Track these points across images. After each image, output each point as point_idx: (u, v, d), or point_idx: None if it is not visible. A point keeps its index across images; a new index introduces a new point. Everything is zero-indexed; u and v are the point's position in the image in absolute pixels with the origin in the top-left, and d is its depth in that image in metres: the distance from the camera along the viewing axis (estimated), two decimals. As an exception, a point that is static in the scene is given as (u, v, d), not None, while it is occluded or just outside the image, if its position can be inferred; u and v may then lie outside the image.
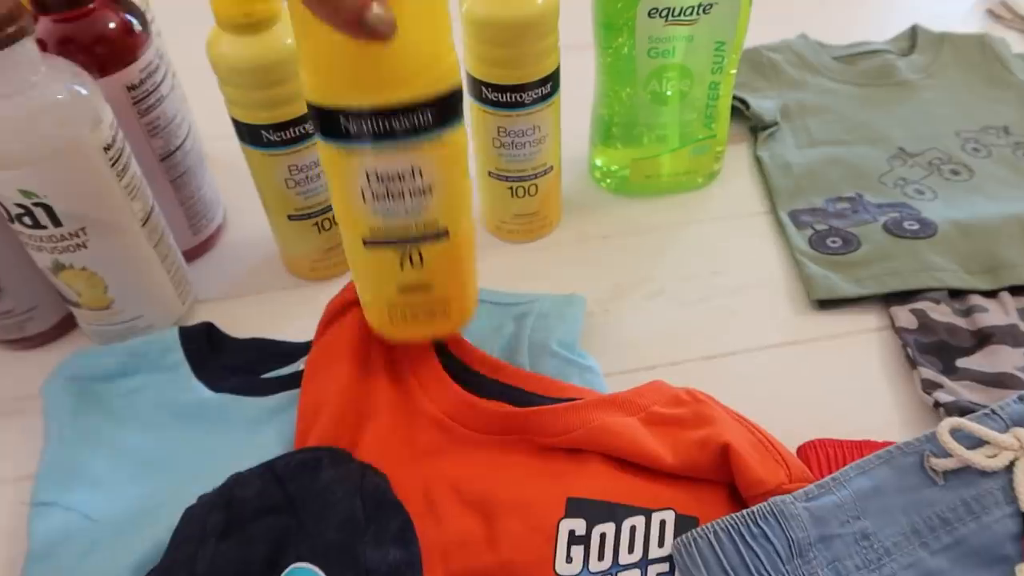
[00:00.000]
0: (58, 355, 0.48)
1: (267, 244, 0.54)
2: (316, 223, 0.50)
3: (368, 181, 0.36)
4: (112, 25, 0.45)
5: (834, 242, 0.52)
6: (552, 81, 0.46)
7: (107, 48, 0.45)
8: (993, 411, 0.37)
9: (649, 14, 0.47)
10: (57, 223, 0.41)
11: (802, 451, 0.40)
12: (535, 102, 0.46)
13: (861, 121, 0.61)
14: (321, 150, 0.36)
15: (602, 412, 0.40)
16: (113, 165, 0.42)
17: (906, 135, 0.60)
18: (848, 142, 0.60)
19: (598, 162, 0.57)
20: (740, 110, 0.61)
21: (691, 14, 0.47)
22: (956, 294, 0.48)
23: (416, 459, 0.41)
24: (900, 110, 0.62)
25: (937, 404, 0.42)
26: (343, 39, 0.31)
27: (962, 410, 0.41)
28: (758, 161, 0.59)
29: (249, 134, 0.46)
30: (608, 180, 0.57)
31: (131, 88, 0.46)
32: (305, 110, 0.37)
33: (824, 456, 0.40)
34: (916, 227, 0.52)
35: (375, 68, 0.33)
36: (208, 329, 0.49)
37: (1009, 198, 0.54)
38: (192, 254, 0.54)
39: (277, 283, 0.54)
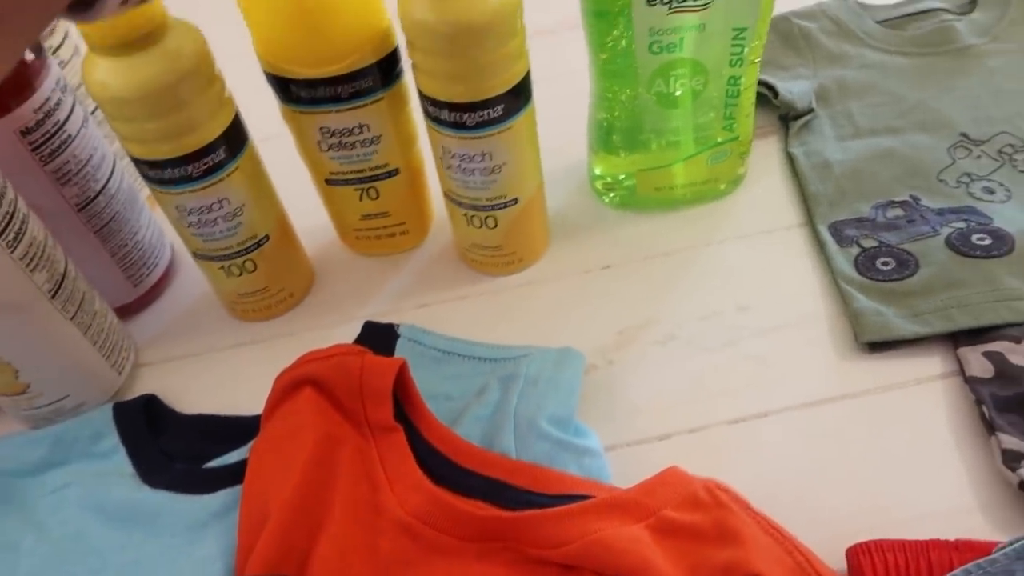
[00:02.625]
0: (-17, 439, 0.42)
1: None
2: (223, 267, 0.43)
3: (323, 136, 0.42)
4: (-5, 59, 0.37)
5: (886, 264, 0.43)
6: (506, 101, 0.37)
7: (-10, 89, 0.37)
8: (1105, 516, 0.29)
9: (649, 1, 0.38)
10: (-62, 310, 0.35)
11: (853, 558, 0.32)
12: (480, 126, 0.38)
13: (915, 102, 0.51)
14: (282, 111, 0.42)
15: (604, 519, 0.32)
16: (0, 235, 0.35)
17: (970, 117, 0.50)
18: (900, 130, 0.50)
19: (598, 171, 0.48)
20: (767, 97, 0.52)
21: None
22: (1041, 327, 0.39)
23: (380, 572, 0.34)
24: (962, 85, 0.52)
25: (1023, 485, 0.33)
26: (293, 20, 0.37)
27: (1058, 495, 0.32)
28: (791, 159, 0.50)
29: (139, 169, 0.39)
30: (611, 194, 0.48)
31: (26, 132, 0.39)
32: (188, 146, 0.37)
33: (882, 565, 0.31)
34: (988, 242, 0.42)
35: (320, 42, 0.38)
36: (148, 404, 0.42)
37: (1102, 195, 0.44)
38: (134, 308, 0.47)
39: (229, 335, 0.47)
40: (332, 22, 0.38)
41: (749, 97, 0.44)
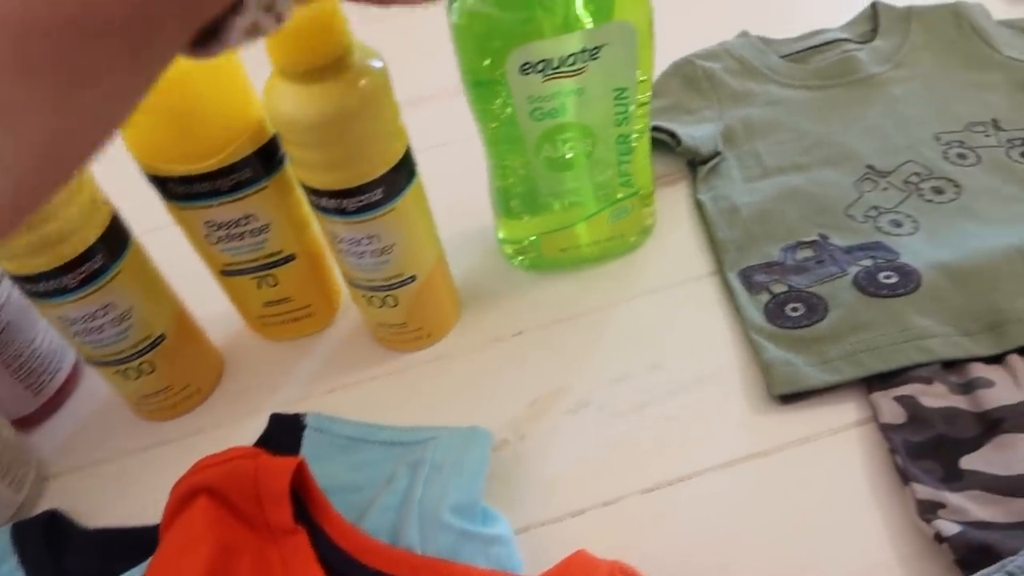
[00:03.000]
0: None
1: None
2: (118, 371, 0.41)
3: (210, 229, 0.41)
4: None
5: (795, 310, 0.42)
6: (386, 184, 0.37)
7: None
8: (1011, 574, 0.28)
9: (522, 70, 0.37)
10: None
11: (768, 632, 0.31)
12: (362, 210, 0.37)
13: (820, 136, 0.51)
14: (167, 207, 0.41)
15: (504, 617, 0.31)
16: None
17: (876, 147, 0.50)
18: (806, 166, 0.50)
19: (503, 235, 0.48)
20: (669, 144, 0.51)
21: (574, 63, 0.37)
22: (952, 364, 0.39)
23: None
24: (866, 115, 0.52)
25: (940, 538, 0.32)
26: (162, 119, 0.36)
27: (973, 548, 0.31)
28: (699, 206, 0.49)
29: (17, 284, 0.38)
30: (520, 257, 0.48)
31: None
32: (56, 260, 0.36)
33: (797, 638, 0.30)
34: (894, 280, 0.42)
35: (193, 139, 0.37)
36: (49, 521, 0.40)
37: (1007, 219, 0.44)
38: (36, 418, 0.46)
39: (137, 438, 0.45)
40: (203, 118, 0.37)
41: (643, 150, 0.44)
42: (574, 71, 0.38)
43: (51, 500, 0.43)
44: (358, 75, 0.34)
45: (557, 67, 0.37)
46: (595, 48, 0.37)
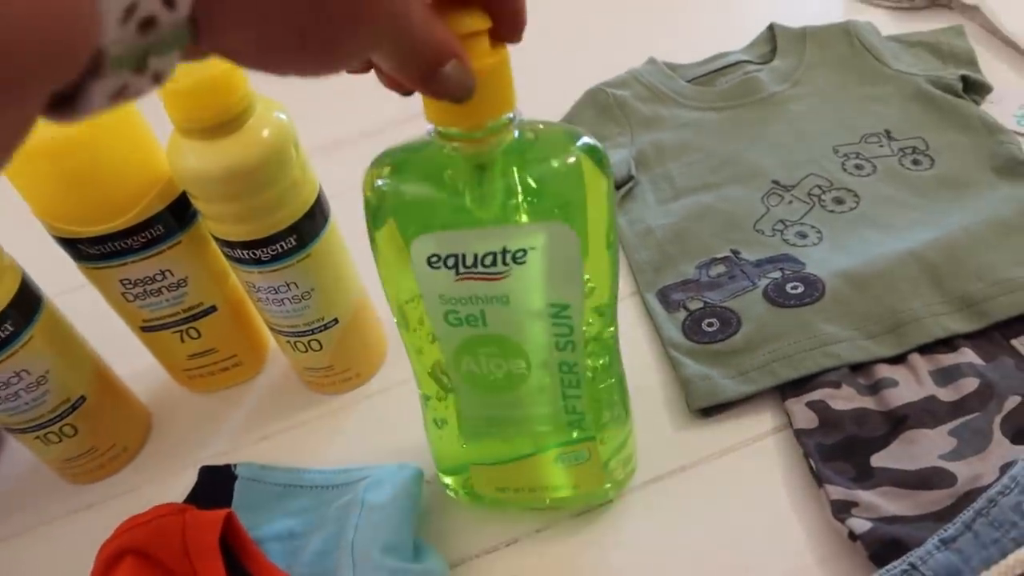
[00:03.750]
0: None
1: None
2: (38, 437, 0.41)
3: (126, 287, 0.41)
4: None
5: (711, 325, 0.43)
6: (298, 232, 0.37)
7: None
8: (914, 566, 0.29)
9: (430, 263, 0.30)
10: None
11: (697, 644, 0.32)
12: (276, 259, 0.37)
13: (727, 155, 0.53)
14: (80, 268, 0.40)
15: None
16: None
17: (779, 163, 0.52)
18: (716, 185, 0.51)
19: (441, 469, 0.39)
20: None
21: (491, 264, 0.29)
22: (859, 367, 0.40)
23: None
24: (769, 132, 0.54)
25: (853, 536, 0.34)
26: (66, 182, 0.36)
27: (884, 543, 0.33)
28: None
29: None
30: (454, 488, 0.39)
31: None
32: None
33: (724, 647, 0.31)
34: (800, 289, 0.44)
35: (101, 199, 0.37)
36: (-28, 596, 0.39)
37: (902, 225, 0.46)
38: (-44, 490, 0.44)
39: (63, 502, 0.44)
40: (110, 177, 0.37)
41: (607, 388, 0.35)
42: (492, 274, 0.30)
43: (-26, 575, 0.42)
44: (260, 128, 0.35)
45: (470, 266, 0.29)
46: (519, 251, 0.29)
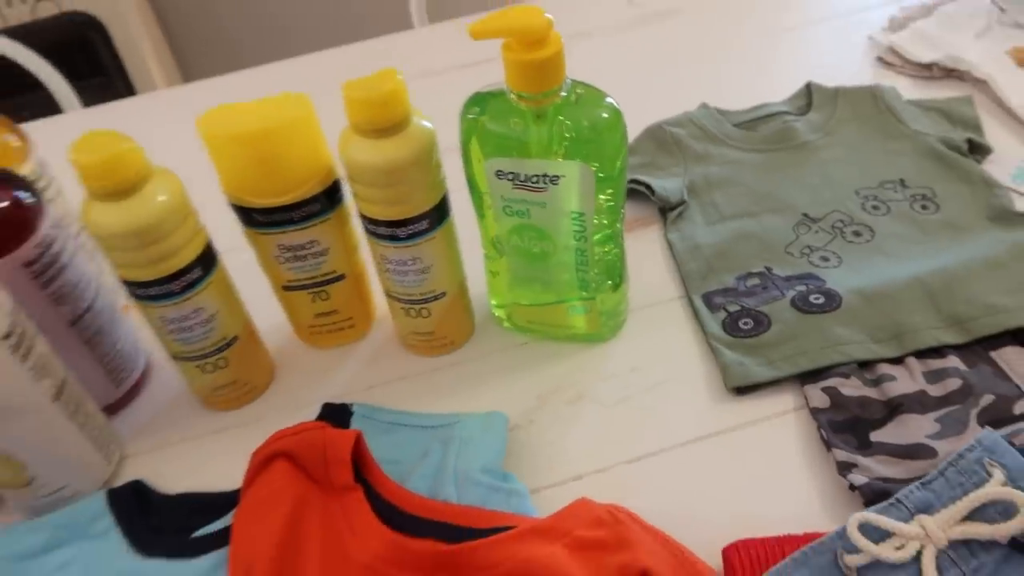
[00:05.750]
0: (-14, 534, 0.48)
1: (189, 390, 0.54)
2: (199, 366, 0.50)
3: (280, 251, 0.50)
4: (3, 205, 0.45)
5: (746, 324, 0.53)
6: (431, 218, 0.47)
7: (1, 232, 0.45)
8: (898, 500, 0.39)
9: (497, 175, 0.46)
10: (-37, 418, 0.41)
11: (727, 554, 0.41)
12: (412, 237, 0.47)
13: (766, 190, 0.63)
14: (246, 233, 0.50)
15: (528, 543, 0.40)
16: (15, 351, 0.42)
17: (809, 200, 0.62)
18: (755, 213, 0.61)
19: (494, 302, 0.57)
20: (645, 193, 0.63)
21: (537, 183, 0.46)
22: (865, 364, 0.50)
23: (350, 610, 0.41)
24: (802, 174, 0.64)
25: (852, 487, 0.43)
26: (253, 163, 0.46)
27: (876, 492, 0.42)
28: (669, 245, 0.60)
29: (126, 287, 0.47)
30: (503, 318, 0.57)
31: (29, 264, 0.46)
32: (167, 269, 0.46)
33: (748, 558, 0.40)
34: (821, 300, 0.53)
35: (276, 179, 0.47)
36: (136, 488, 0.49)
37: (909, 256, 0.56)
38: (117, 407, 0.54)
39: (201, 426, 0.54)
40: (285, 163, 0.47)
41: (607, 266, 0.51)
42: (536, 188, 0.46)
43: (131, 475, 0.51)
44: (414, 134, 0.45)
45: (523, 181, 0.46)
46: (555, 176, 0.45)
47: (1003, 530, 0.36)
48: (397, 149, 0.44)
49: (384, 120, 0.44)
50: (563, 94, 0.44)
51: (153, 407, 0.55)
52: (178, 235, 0.45)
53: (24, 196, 0.47)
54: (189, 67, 1.75)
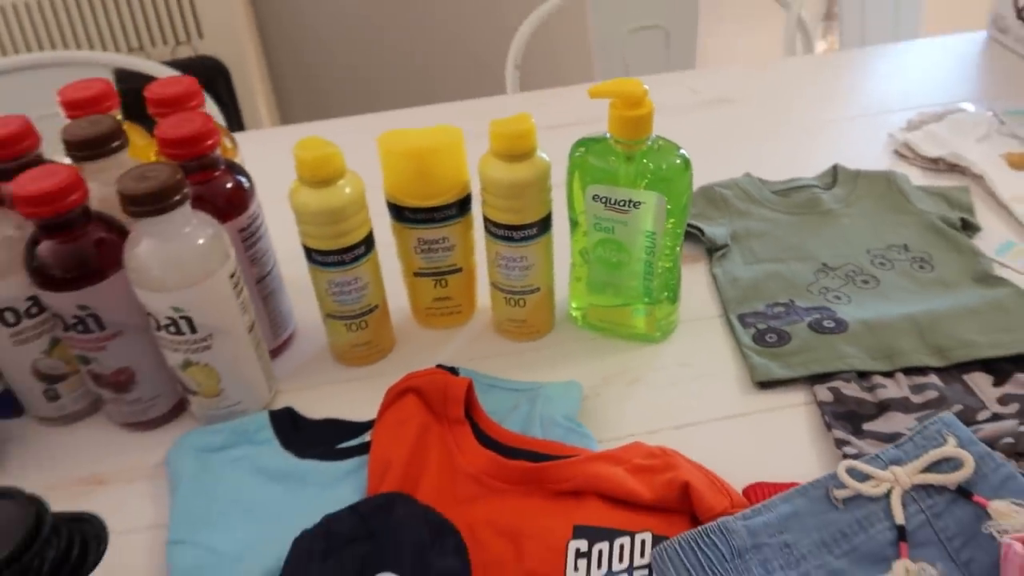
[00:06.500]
0: (170, 435, 0.62)
1: (327, 349, 0.69)
2: (347, 324, 0.65)
3: (419, 244, 0.66)
4: (230, 185, 0.62)
5: (771, 337, 0.67)
6: (539, 226, 0.63)
7: (227, 202, 0.61)
8: (878, 455, 0.52)
9: (593, 198, 0.62)
10: (193, 331, 0.57)
11: (746, 491, 0.54)
12: (523, 240, 0.63)
13: (794, 243, 0.78)
14: (393, 227, 0.66)
15: (596, 464, 0.54)
16: (235, 288, 0.58)
17: (828, 253, 0.76)
18: (784, 259, 0.76)
19: (574, 304, 0.72)
20: (698, 236, 0.78)
21: (624, 206, 0.61)
22: (863, 375, 0.64)
23: (459, 505, 0.55)
24: (824, 233, 0.79)
25: (845, 456, 0.56)
26: (410, 173, 0.62)
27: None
28: (713, 277, 0.75)
29: (309, 255, 0.62)
30: (578, 316, 0.71)
31: (241, 231, 0.62)
32: (343, 243, 0.61)
33: (762, 493, 0.53)
34: (833, 325, 0.67)
35: (426, 187, 0.63)
36: (290, 412, 0.63)
37: (905, 301, 0.70)
38: (272, 354, 0.69)
39: (335, 375, 0.68)
40: (436, 176, 0.63)
41: (665, 280, 0.65)
42: (622, 210, 0.61)
43: (282, 405, 0.65)
44: (536, 163, 0.61)
45: (613, 204, 0.61)
46: (637, 203, 0.60)
47: (952, 479, 0.49)
48: (524, 171, 0.60)
49: (518, 149, 0.60)
50: (649, 143, 0.60)
51: (298, 359, 0.70)
52: (354, 220, 0.61)
53: (242, 180, 0.63)
54: (288, 111, 1.97)
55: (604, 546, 0.50)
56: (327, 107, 1.94)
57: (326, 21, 1.88)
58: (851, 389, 0.62)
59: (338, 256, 0.61)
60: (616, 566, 0.49)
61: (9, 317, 0.58)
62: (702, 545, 0.48)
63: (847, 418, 0.60)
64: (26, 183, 0.53)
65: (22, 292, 0.58)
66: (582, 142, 0.62)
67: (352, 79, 1.95)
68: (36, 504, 0.43)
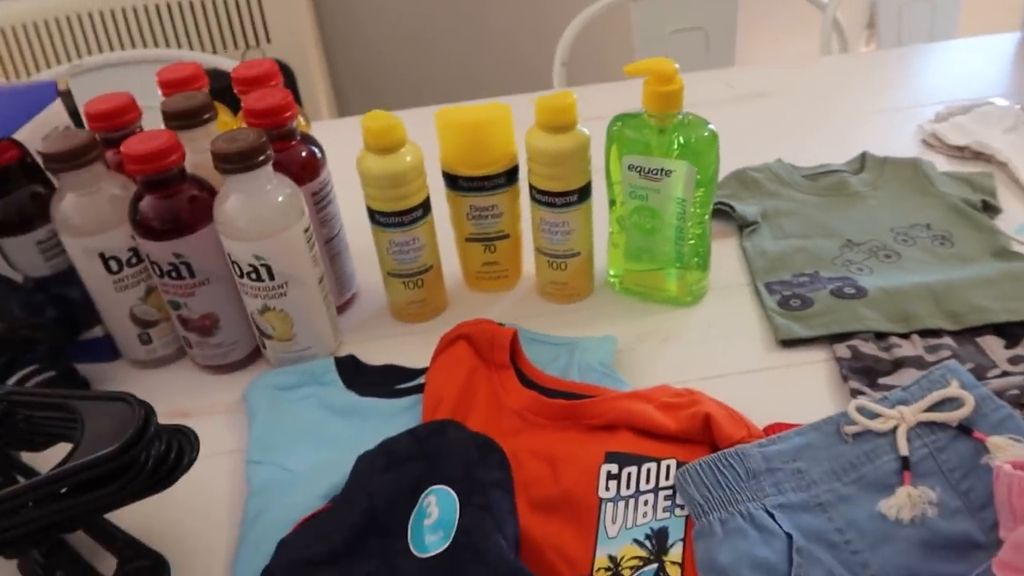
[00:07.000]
0: (247, 377, 0.70)
1: (386, 309, 0.76)
2: (404, 282, 0.72)
3: (471, 210, 0.72)
4: (305, 154, 0.69)
5: (795, 302, 0.72)
6: (579, 194, 0.69)
7: (302, 168, 0.69)
8: (885, 396, 0.57)
9: (628, 167, 0.68)
10: (272, 278, 0.64)
11: (766, 429, 0.59)
12: (565, 206, 0.69)
13: (820, 221, 0.83)
14: (448, 196, 0.72)
15: (628, 401, 0.60)
16: (308, 243, 0.65)
17: (853, 230, 0.81)
18: (810, 236, 0.81)
19: (608, 263, 0.78)
20: (729, 212, 0.84)
21: (656, 175, 0.67)
22: (880, 336, 0.68)
23: (503, 436, 0.60)
24: (851, 213, 0.84)
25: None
26: (464, 145, 0.68)
27: (875, 406, 0.60)
28: (743, 250, 0.80)
29: (372, 217, 0.69)
30: (615, 281, 0.77)
31: (314, 194, 0.70)
32: (403, 205, 0.68)
33: (778, 431, 0.59)
34: (853, 292, 0.72)
35: (479, 157, 0.70)
36: (353, 359, 0.70)
37: (924, 272, 0.74)
38: (337, 311, 0.76)
39: (393, 330, 0.75)
40: (486, 147, 0.70)
41: (695, 246, 0.70)
42: (655, 179, 0.67)
43: (346, 353, 0.72)
44: (577, 134, 0.67)
45: (646, 173, 0.67)
46: (668, 171, 0.66)
47: (953, 416, 0.54)
48: (566, 142, 0.67)
49: (560, 121, 0.66)
50: (679, 117, 0.66)
51: (359, 316, 0.78)
52: (414, 184, 0.68)
53: (315, 150, 0.71)
54: (346, 107, 2.09)
55: (633, 469, 0.56)
56: (382, 103, 2.04)
57: (382, 26, 1.99)
58: (868, 348, 0.67)
59: (398, 217, 0.69)
60: (643, 486, 0.55)
61: (113, 265, 0.66)
62: (720, 467, 0.53)
63: (863, 372, 0.65)
64: (134, 144, 0.61)
65: (124, 243, 0.66)
66: (619, 117, 0.69)
67: (405, 77, 2.06)
68: (144, 407, 0.51)
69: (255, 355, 0.72)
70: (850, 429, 0.55)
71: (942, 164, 0.90)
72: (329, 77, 1.99)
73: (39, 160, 0.64)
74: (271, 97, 0.67)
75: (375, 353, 0.72)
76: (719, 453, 0.54)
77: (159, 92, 0.72)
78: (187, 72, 0.72)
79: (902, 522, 0.51)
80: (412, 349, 0.71)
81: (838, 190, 0.87)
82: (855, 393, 0.62)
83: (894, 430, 0.55)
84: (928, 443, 0.54)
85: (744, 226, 0.83)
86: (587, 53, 1.39)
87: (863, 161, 0.91)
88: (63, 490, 0.48)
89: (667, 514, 0.53)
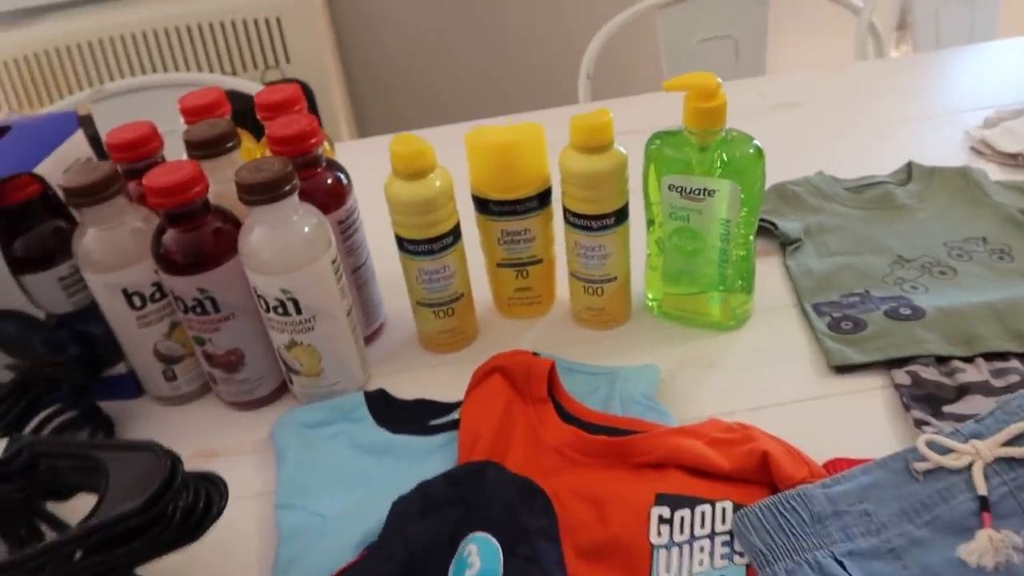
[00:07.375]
0: (274, 413, 0.67)
1: (415, 338, 0.73)
2: (435, 311, 0.69)
3: (502, 235, 0.69)
4: (331, 181, 0.67)
5: (847, 324, 0.69)
6: (616, 216, 0.66)
7: (329, 196, 0.66)
8: (957, 430, 0.53)
9: (669, 188, 0.65)
10: (299, 312, 0.61)
11: (826, 465, 0.56)
12: (601, 229, 0.66)
13: (867, 236, 0.79)
14: (478, 220, 0.70)
15: (676, 437, 0.56)
16: (335, 274, 0.63)
17: (903, 246, 0.77)
18: (858, 252, 0.77)
19: (650, 295, 0.75)
20: (771, 230, 0.80)
21: (699, 195, 0.63)
22: (942, 360, 0.64)
23: (544, 476, 0.57)
24: (899, 227, 0.80)
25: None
26: (495, 168, 0.65)
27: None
28: (787, 269, 0.77)
29: (401, 244, 0.67)
30: (654, 305, 0.74)
31: (340, 223, 0.67)
32: (433, 232, 0.65)
33: (841, 468, 0.55)
34: (909, 312, 0.68)
35: (509, 180, 0.67)
36: (383, 393, 0.67)
37: (983, 290, 0.70)
38: (365, 341, 0.73)
39: (423, 361, 0.72)
40: (518, 169, 0.67)
41: (739, 268, 0.67)
42: (697, 199, 0.63)
43: (375, 387, 0.70)
44: (614, 154, 0.64)
45: (688, 193, 0.64)
46: (712, 191, 0.63)
47: (1034, 451, 0.50)
48: (602, 163, 0.64)
49: (597, 141, 0.63)
50: (722, 134, 0.62)
51: (388, 347, 0.75)
52: (444, 210, 0.65)
53: (341, 176, 0.68)
54: (366, 126, 2.07)
55: (686, 513, 0.52)
56: (402, 120, 2.02)
57: (401, 42, 1.97)
58: (929, 373, 0.63)
59: (428, 245, 0.66)
60: (698, 531, 0.51)
61: (136, 301, 0.64)
62: (783, 511, 0.49)
63: (926, 400, 0.61)
64: (156, 176, 0.59)
65: (148, 278, 0.64)
66: (657, 135, 0.65)
67: (426, 94, 2.04)
68: (171, 457, 0.48)
69: (282, 390, 0.70)
70: (920, 466, 0.51)
71: (994, 172, 0.86)
72: (349, 95, 1.98)
73: (60, 194, 0.62)
74: (296, 124, 0.64)
75: (405, 386, 0.69)
76: (779, 495, 0.50)
77: (181, 119, 0.70)
78: (209, 99, 0.70)
79: (985, 569, 0.47)
80: (443, 380, 0.68)
81: (884, 203, 0.83)
82: (919, 424, 0.58)
83: (969, 467, 0.51)
84: (1008, 480, 0.50)
85: (787, 243, 0.79)
86: (612, 64, 1.36)
87: (909, 171, 0.87)
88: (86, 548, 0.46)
89: (725, 562, 0.50)
